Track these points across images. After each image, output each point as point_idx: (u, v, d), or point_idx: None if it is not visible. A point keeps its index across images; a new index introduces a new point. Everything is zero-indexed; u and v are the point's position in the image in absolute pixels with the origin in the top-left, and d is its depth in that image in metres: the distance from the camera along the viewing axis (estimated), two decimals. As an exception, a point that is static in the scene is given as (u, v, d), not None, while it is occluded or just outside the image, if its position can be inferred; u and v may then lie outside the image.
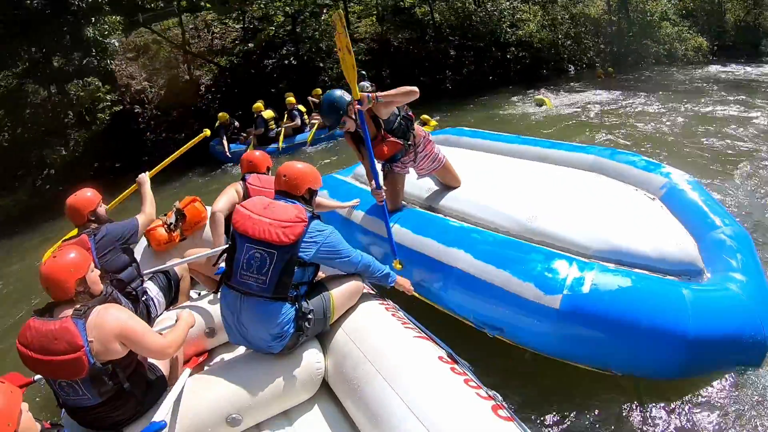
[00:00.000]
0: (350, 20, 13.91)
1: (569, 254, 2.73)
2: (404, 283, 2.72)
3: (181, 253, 3.18)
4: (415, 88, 3.11)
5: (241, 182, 3.19)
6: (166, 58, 12.97)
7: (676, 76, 14.89)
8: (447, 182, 3.70)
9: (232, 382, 2.14)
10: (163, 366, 2.27)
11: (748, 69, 15.66)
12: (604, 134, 8.15)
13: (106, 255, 2.68)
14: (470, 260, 2.82)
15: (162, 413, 1.94)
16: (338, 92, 3.16)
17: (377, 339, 2.21)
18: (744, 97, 10.60)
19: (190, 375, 2.23)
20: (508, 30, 14.84)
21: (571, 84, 14.18)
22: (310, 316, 2.27)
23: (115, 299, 2.09)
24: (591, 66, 15.79)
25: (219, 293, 2.38)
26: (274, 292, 2.18)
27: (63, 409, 2.12)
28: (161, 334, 2.14)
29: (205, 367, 2.32)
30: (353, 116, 3.12)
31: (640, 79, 14.48)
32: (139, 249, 3.47)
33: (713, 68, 16.19)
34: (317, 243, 2.26)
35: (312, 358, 2.26)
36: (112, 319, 1.89)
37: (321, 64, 13.10)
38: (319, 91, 10.69)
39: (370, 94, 3.02)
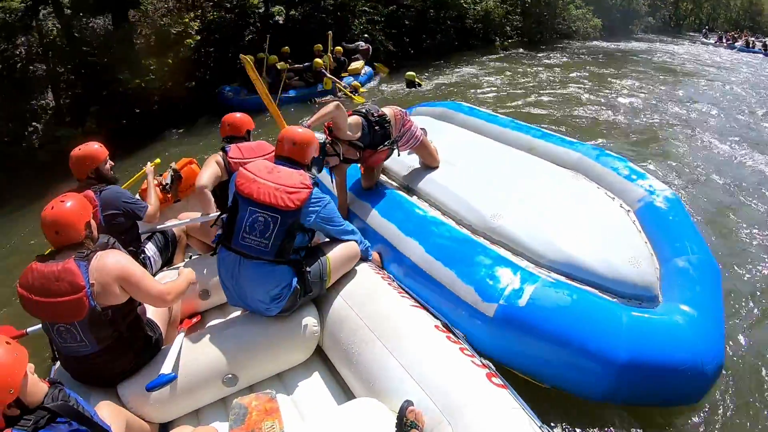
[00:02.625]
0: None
1: (523, 260, 2.67)
2: (376, 262, 2.83)
3: (176, 215, 3.16)
4: (336, 103, 2.98)
5: (221, 154, 3.03)
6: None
7: (577, 48, 18.90)
8: (425, 160, 3.63)
9: (229, 343, 2.17)
10: (161, 323, 2.29)
11: (624, 44, 21.79)
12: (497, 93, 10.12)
13: (109, 216, 2.61)
14: (421, 253, 2.79)
15: (168, 366, 1.98)
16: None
17: (376, 306, 2.25)
18: (619, 64, 14.94)
19: (186, 336, 2.25)
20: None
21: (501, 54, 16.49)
22: (307, 279, 2.30)
23: (117, 248, 2.10)
24: (511, 38, 18.43)
25: (216, 255, 2.38)
26: (276, 255, 2.21)
27: (55, 364, 2.14)
28: None
29: (199, 330, 2.36)
30: (332, 151, 3.04)
31: (553, 48, 18.03)
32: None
33: (603, 43, 21.65)
34: (317, 210, 2.29)
35: (308, 322, 2.29)
36: (113, 262, 1.90)
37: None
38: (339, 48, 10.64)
39: (324, 139, 2.93)
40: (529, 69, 13.47)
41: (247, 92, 9.52)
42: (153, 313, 2.28)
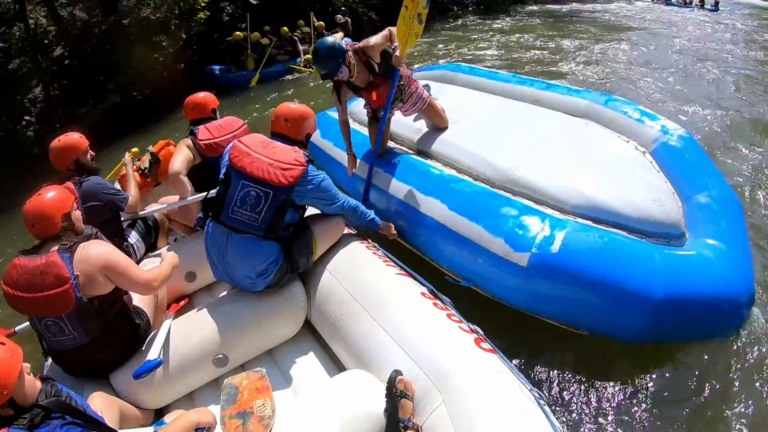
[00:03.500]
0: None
1: (547, 208, 2.65)
2: (387, 228, 2.79)
3: (156, 199, 3.13)
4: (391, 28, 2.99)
5: (190, 138, 2.92)
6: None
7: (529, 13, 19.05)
8: (434, 122, 3.56)
9: (217, 323, 2.16)
10: (148, 310, 2.29)
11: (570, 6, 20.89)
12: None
13: (89, 207, 2.54)
14: (445, 211, 2.76)
15: (155, 352, 1.96)
16: (332, 38, 3.01)
17: (361, 277, 2.23)
18: (567, 25, 15.38)
19: (174, 320, 2.24)
20: None
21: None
22: (295, 255, 2.29)
23: (100, 239, 2.09)
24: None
25: (204, 229, 2.36)
26: (266, 231, 2.20)
27: (47, 360, 2.14)
28: None
29: (187, 313, 2.36)
30: (347, 64, 2.98)
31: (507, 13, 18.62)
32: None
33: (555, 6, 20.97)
34: (311, 187, 2.27)
35: (294, 296, 2.28)
36: (97, 252, 1.89)
37: None
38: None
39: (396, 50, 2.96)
40: (486, 34, 13.96)
41: (234, 70, 9.90)
42: (139, 300, 2.28)
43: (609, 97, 3.48)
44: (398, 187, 3.12)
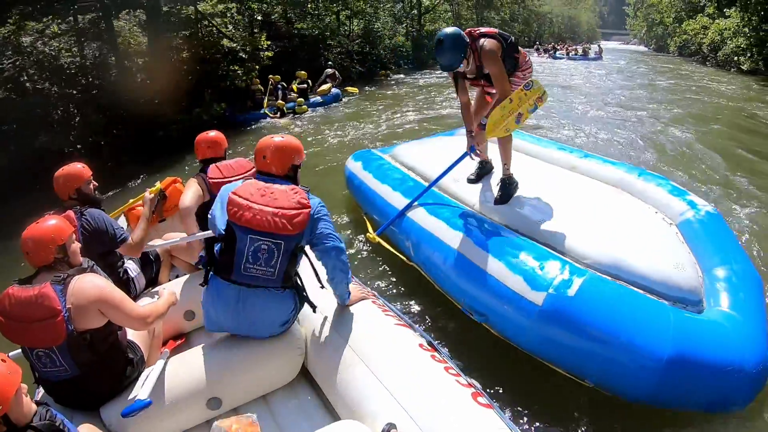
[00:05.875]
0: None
1: (569, 258, 2.74)
2: (356, 297, 2.42)
3: (160, 234, 3.14)
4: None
5: (200, 176, 2.94)
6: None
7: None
8: (504, 148, 3.39)
9: (212, 364, 2.11)
10: (142, 345, 2.25)
11: None
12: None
13: (87, 238, 2.47)
14: (471, 245, 2.90)
15: (145, 392, 1.93)
16: (453, 29, 3.03)
17: (358, 325, 2.21)
18: None
19: (169, 358, 2.20)
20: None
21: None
22: (307, 298, 2.24)
23: (95, 272, 2.07)
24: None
25: (207, 286, 2.23)
26: (283, 281, 2.12)
27: (38, 388, 2.12)
28: None
29: (183, 352, 2.31)
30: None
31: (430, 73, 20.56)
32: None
33: None
34: (317, 217, 2.14)
35: (293, 343, 2.25)
36: (91, 286, 1.87)
37: None
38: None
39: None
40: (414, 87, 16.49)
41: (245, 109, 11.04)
42: (134, 334, 2.23)
43: (642, 171, 3.64)
44: (427, 220, 3.30)
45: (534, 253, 2.70)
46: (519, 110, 2.95)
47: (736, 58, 21.61)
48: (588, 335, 2.33)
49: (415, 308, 3.36)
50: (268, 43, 12.58)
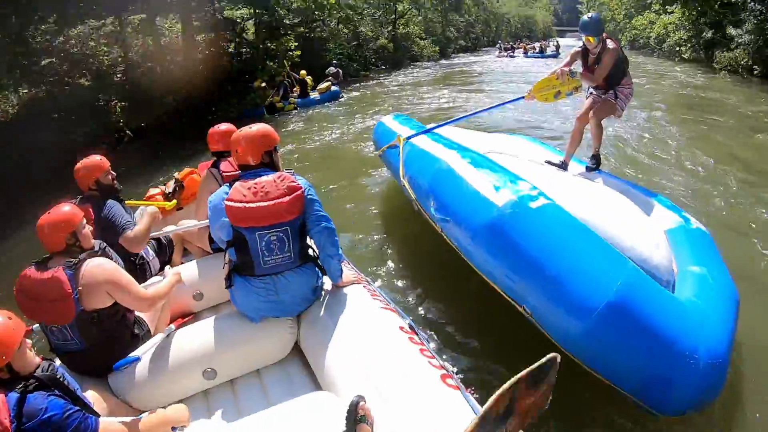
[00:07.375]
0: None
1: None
2: (348, 280, 2.49)
3: (176, 222, 3.28)
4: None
5: (213, 170, 3.07)
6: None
7: (425, 66, 26.24)
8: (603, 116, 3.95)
9: (210, 338, 2.25)
10: (149, 321, 2.37)
11: (449, 61, 30.30)
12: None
13: (103, 226, 2.65)
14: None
15: (140, 352, 2.08)
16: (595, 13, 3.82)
17: (347, 308, 2.32)
18: (450, 74, 21.77)
19: (173, 333, 2.33)
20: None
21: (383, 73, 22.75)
22: (320, 264, 2.39)
23: (107, 255, 2.22)
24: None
25: (233, 288, 2.32)
26: (301, 258, 2.27)
27: (54, 357, 2.23)
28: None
29: (187, 326, 2.46)
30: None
31: (406, 72, 23.53)
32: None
33: (443, 61, 30.25)
34: (310, 202, 2.27)
35: (286, 322, 2.38)
36: (100, 270, 2.01)
37: None
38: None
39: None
40: (391, 83, 18.79)
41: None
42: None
43: (636, 186, 3.90)
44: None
45: (510, 177, 2.66)
46: (559, 88, 3.60)
47: (678, 49, 24.22)
48: (535, 256, 2.21)
49: (411, 298, 3.58)
50: (296, 44, 14.60)
